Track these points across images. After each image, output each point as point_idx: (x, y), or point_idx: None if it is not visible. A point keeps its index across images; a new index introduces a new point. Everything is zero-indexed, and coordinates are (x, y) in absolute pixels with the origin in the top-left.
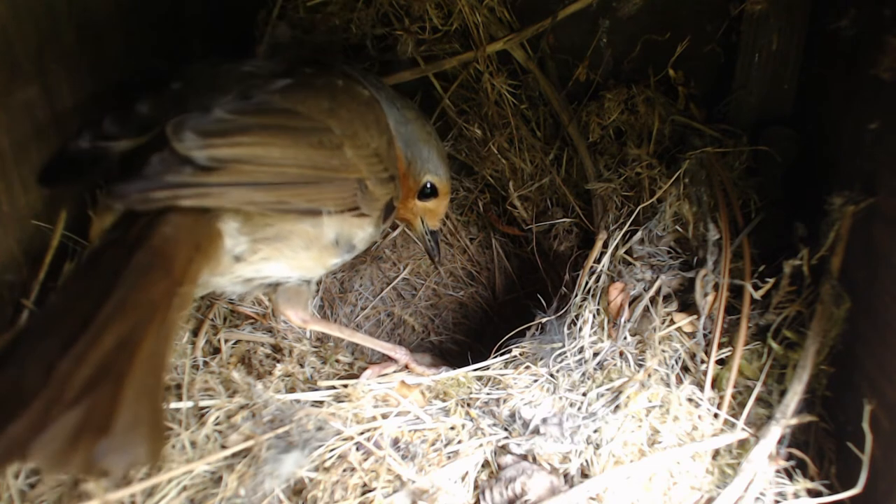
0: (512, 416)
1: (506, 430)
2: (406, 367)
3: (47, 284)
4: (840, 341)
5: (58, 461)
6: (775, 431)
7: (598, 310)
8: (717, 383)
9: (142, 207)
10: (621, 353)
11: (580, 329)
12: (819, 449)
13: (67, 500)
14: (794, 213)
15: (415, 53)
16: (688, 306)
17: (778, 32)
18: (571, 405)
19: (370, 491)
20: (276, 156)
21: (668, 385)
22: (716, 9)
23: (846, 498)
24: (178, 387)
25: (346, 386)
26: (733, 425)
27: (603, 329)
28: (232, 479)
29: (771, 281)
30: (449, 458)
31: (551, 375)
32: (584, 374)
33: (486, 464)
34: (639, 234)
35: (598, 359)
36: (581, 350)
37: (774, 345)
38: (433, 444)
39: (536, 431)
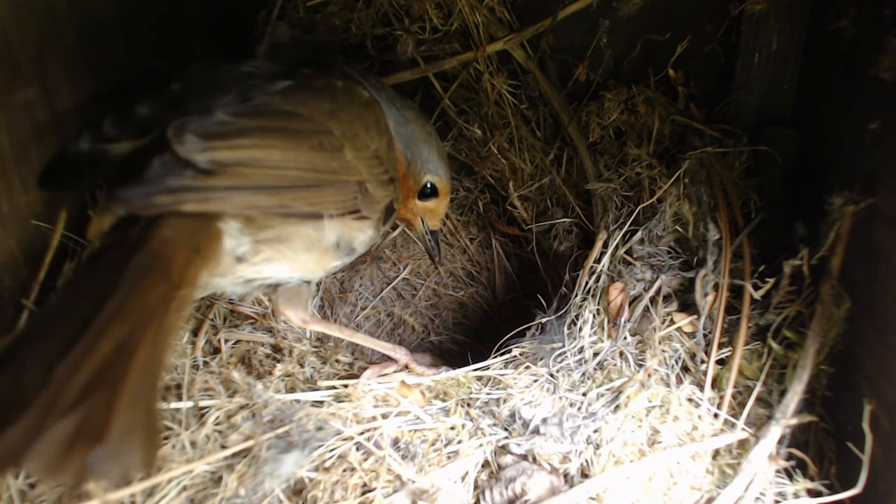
0: (512, 416)
1: (506, 430)
2: (406, 367)
3: (47, 285)
4: (840, 341)
5: (52, 469)
6: (775, 431)
7: (598, 310)
8: (717, 383)
9: (144, 212)
10: (621, 353)
11: (580, 329)
12: (819, 449)
13: (67, 501)
14: (794, 213)
15: (415, 53)
16: (688, 306)
17: (778, 32)
18: (571, 405)
19: (370, 491)
20: (276, 158)
21: (668, 385)
22: (716, 9)
23: (846, 498)
24: (178, 387)
25: (346, 386)
26: (733, 425)
27: (603, 329)
28: (232, 479)
29: (771, 281)
30: (449, 458)
31: (551, 375)
32: (584, 374)
33: (486, 464)
34: (639, 234)
35: (598, 359)
36: (581, 350)
37: (774, 345)
38: (433, 444)
39: (536, 431)
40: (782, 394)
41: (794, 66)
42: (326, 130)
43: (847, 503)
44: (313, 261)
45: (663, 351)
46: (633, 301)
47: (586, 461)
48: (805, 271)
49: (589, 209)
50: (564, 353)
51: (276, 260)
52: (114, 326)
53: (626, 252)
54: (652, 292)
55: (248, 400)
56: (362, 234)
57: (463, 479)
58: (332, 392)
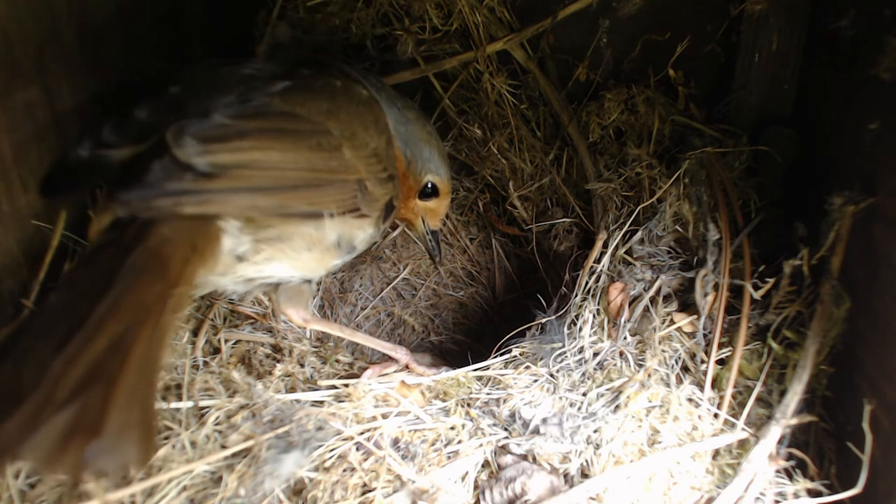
0: (512, 416)
1: (506, 430)
2: (406, 366)
3: (47, 284)
4: (840, 341)
5: (49, 462)
6: (775, 431)
7: (598, 310)
8: (717, 383)
9: (145, 215)
10: (621, 353)
11: (580, 329)
12: (819, 449)
13: (67, 500)
14: (794, 213)
15: (415, 53)
16: (688, 306)
17: (778, 32)
18: (571, 405)
19: (370, 491)
20: (275, 159)
21: (668, 385)
22: (716, 9)
23: (846, 498)
24: (178, 387)
25: (346, 386)
26: (733, 425)
27: (603, 329)
28: (232, 479)
29: (771, 281)
30: (449, 458)
31: (551, 375)
32: (584, 374)
33: (486, 464)
34: (639, 234)
35: (598, 359)
36: (581, 350)
37: (774, 345)
38: (433, 444)
39: (536, 431)
40: (782, 394)
41: (794, 66)
42: (325, 130)
43: (847, 503)
44: (315, 259)
45: (663, 351)
46: (633, 301)
47: (586, 461)
48: (805, 271)
49: (589, 209)
50: (564, 353)
51: (277, 259)
52: (110, 323)
53: (626, 252)
54: (652, 292)
55: (248, 400)
56: (363, 233)
57: (463, 479)
58: (333, 392)
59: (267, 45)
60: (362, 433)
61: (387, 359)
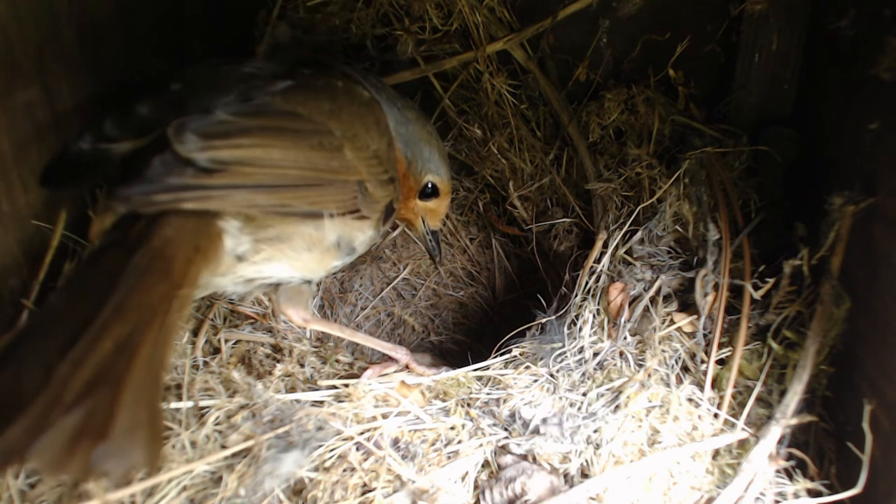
0: (512, 416)
1: (506, 430)
2: (406, 367)
3: (47, 284)
4: (840, 341)
5: (56, 465)
6: (775, 431)
7: (598, 310)
8: (717, 383)
9: (144, 210)
10: (621, 353)
11: (580, 329)
12: (819, 449)
13: (67, 500)
14: (794, 213)
15: (415, 53)
16: (688, 306)
17: (778, 32)
18: (571, 405)
19: (370, 491)
20: (276, 158)
21: (668, 385)
22: (716, 9)
23: (846, 498)
24: (178, 387)
25: (346, 386)
26: (733, 425)
27: (603, 329)
28: (232, 479)
29: (771, 281)
30: (449, 458)
31: (551, 375)
32: (584, 374)
33: (486, 464)
34: (639, 234)
35: (598, 359)
36: (581, 350)
37: (774, 345)
38: (433, 444)
39: (536, 431)
40: (782, 394)
41: (794, 66)
42: (326, 130)
43: (847, 503)
44: (314, 260)
45: (663, 351)
46: (633, 301)
47: (586, 461)
48: (805, 271)
49: (589, 209)
50: (564, 353)
51: (276, 259)
52: (115, 325)
53: (626, 252)
54: (652, 292)
55: (248, 400)
56: (362, 234)
57: (463, 479)
58: (333, 392)
59: (267, 45)
60: (362, 433)
61: (387, 359)
